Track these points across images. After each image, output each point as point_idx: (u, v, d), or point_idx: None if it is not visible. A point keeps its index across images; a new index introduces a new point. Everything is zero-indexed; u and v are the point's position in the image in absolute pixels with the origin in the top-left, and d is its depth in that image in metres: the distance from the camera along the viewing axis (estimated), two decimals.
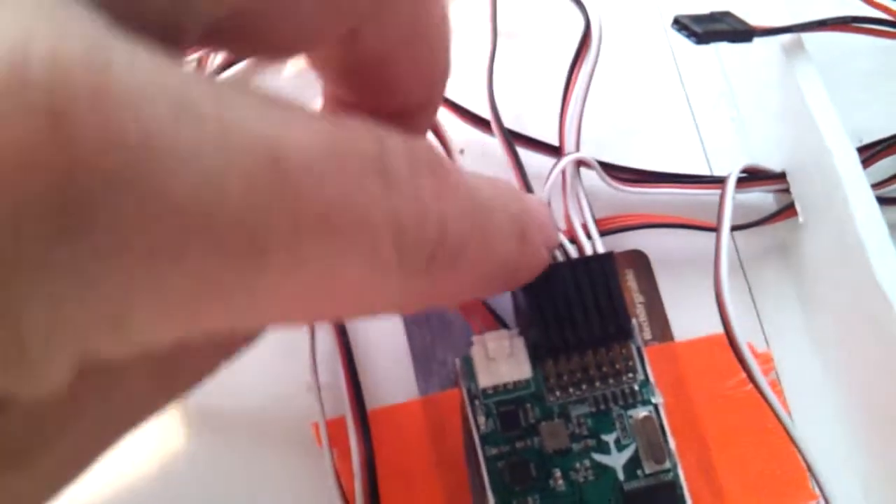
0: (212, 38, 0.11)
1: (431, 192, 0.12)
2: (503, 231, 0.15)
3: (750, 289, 0.25)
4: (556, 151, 0.24)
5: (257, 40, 0.12)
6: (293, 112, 0.10)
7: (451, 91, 0.24)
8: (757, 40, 0.22)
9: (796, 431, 0.21)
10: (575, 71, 0.24)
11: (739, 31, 0.21)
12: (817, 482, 0.21)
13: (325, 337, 0.23)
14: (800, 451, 0.21)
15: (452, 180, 0.13)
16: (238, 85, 0.10)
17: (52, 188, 0.07)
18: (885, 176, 0.24)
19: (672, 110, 0.27)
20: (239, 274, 0.09)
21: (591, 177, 0.24)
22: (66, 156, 0.07)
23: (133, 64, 0.08)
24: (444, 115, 0.24)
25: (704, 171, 0.26)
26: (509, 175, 0.23)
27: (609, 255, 0.21)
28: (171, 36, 0.10)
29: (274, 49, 0.13)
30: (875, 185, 0.23)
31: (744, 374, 0.23)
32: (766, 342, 0.24)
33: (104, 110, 0.07)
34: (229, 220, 0.08)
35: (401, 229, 0.11)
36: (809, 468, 0.21)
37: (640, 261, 0.24)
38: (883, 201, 0.23)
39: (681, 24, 0.21)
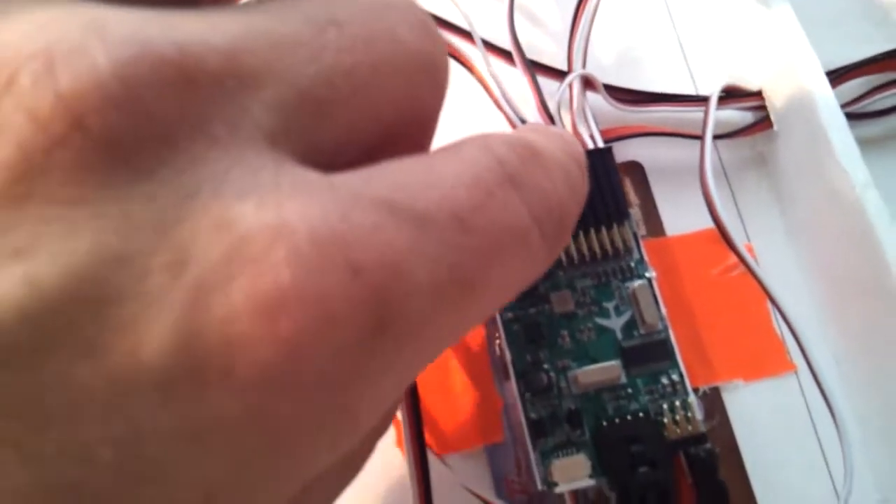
0: None
1: (543, 174, 0.13)
2: (581, 178, 0.16)
3: (733, 193, 0.28)
4: (563, 76, 0.28)
5: None
6: (439, 163, 0.12)
7: (476, 26, 0.28)
8: None
9: (785, 306, 0.24)
10: (581, 6, 0.28)
11: None
12: (802, 349, 0.24)
13: None
14: (788, 320, 0.24)
15: (547, 154, 0.14)
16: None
17: (366, 316, 0.10)
18: (848, 99, 0.28)
19: (662, 39, 0.31)
20: (460, 319, 0.12)
21: (593, 99, 0.28)
22: (369, 292, 0.10)
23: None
24: (468, 49, 0.28)
25: (691, 92, 0.29)
26: (529, 97, 0.27)
27: (608, 149, 0.25)
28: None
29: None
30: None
31: (728, 262, 0.27)
32: (748, 239, 0.28)
33: (390, 254, 0.10)
34: (459, 289, 0.11)
35: (540, 219, 0.13)
36: (796, 336, 0.24)
37: (636, 170, 0.28)
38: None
39: None
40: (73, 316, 0.09)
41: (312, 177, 0.10)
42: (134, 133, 0.09)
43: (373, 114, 0.12)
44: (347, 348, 0.10)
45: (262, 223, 0.09)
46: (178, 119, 0.10)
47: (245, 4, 0.12)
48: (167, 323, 0.09)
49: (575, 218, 0.15)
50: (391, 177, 0.11)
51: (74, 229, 0.09)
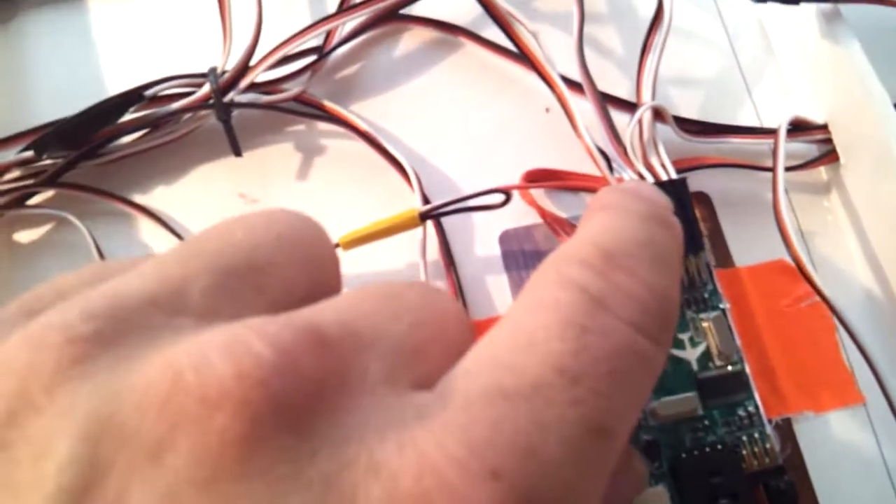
0: None
1: (626, 276, 0.14)
2: (668, 237, 0.17)
3: (799, 225, 0.29)
4: (632, 107, 0.28)
5: None
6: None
7: (547, 56, 0.28)
8: (799, 9, 0.27)
9: (861, 337, 0.24)
10: (650, 40, 0.28)
11: None
12: (878, 379, 0.24)
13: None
14: (864, 352, 0.24)
15: (622, 250, 0.15)
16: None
17: None
18: None
19: (725, 74, 0.31)
20: (610, 456, 0.13)
21: (661, 131, 0.28)
22: (511, 487, 0.11)
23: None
24: (532, 81, 0.28)
25: (755, 125, 0.30)
26: (600, 127, 0.27)
27: (682, 180, 0.25)
28: None
29: None
30: None
31: (798, 293, 0.27)
32: (815, 270, 0.28)
33: (519, 441, 0.11)
34: (596, 436, 0.12)
35: (640, 324, 0.14)
36: (872, 367, 0.24)
37: (703, 200, 0.29)
38: None
39: None
40: None
41: (427, 397, 0.12)
42: (294, 394, 0.11)
43: (445, 347, 0.14)
44: None
45: (405, 462, 0.11)
46: (323, 376, 0.12)
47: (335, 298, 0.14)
48: None
49: (676, 286, 0.15)
50: (487, 361, 0.13)
51: (257, 502, 0.10)
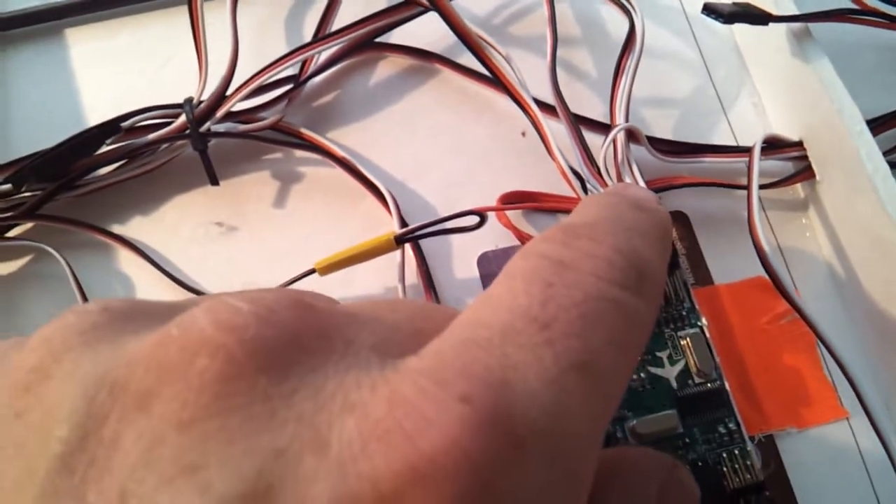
0: None
1: (589, 243, 0.15)
2: (645, 216, 0.17)
3: (777, 241, 0.29)
4: (607, 129, 0.28)
5: None
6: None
7: (520, 80, 0.29)
8: (770, 29, 0.27)
9: (839, 352, 0.24)
10: (622, 62, 0.28)
11: (757, 16, 0.26)
12: (858, 394, 0.23)
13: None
14: (843, 366, 0.23)
15: (588, 225, 0.15)
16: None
17: (493, 434, 0.11)
18: (885, 148, 0.29)
19: (700, 94, 0.31)
20: (598, 394, 0.13)
21: (636, 151, 0.28)
22: (486, 413, 0.11)
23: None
24: (508, 105, 0.29)
25: (730, 143, 0.30)
26: (574, 149, 0.27)
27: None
28: None
29: None
30: None
31: (777, 310, 0.27)
32: (794, 286, 0.28)
33: (493, 374, 0.12)
34: (577, 373, 0.13)
35: (608, 276, 0.14)
36: (851, 382, 0.23)
37: (681, 219, 0.29)
38: None
39: (710, 8, 0.26)
40: None
41: (411, 359, 0.13)
42: (269, 339, 0.12)
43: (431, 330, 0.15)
44: (491, 467, 0.11)
45: (378, 398, 0.11)
46: (302, 327, 0.12)
47: None
48: (324, 497, 0.10)
49: (652, 251, 0.16)
50: (460, 324, 0.13)
51: (232, 437, 0.11)
